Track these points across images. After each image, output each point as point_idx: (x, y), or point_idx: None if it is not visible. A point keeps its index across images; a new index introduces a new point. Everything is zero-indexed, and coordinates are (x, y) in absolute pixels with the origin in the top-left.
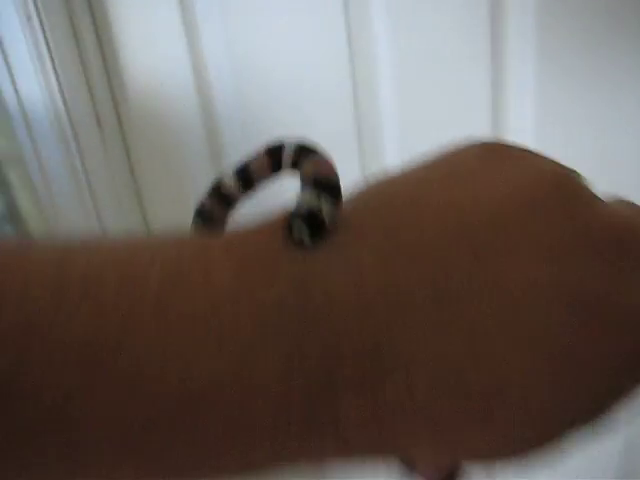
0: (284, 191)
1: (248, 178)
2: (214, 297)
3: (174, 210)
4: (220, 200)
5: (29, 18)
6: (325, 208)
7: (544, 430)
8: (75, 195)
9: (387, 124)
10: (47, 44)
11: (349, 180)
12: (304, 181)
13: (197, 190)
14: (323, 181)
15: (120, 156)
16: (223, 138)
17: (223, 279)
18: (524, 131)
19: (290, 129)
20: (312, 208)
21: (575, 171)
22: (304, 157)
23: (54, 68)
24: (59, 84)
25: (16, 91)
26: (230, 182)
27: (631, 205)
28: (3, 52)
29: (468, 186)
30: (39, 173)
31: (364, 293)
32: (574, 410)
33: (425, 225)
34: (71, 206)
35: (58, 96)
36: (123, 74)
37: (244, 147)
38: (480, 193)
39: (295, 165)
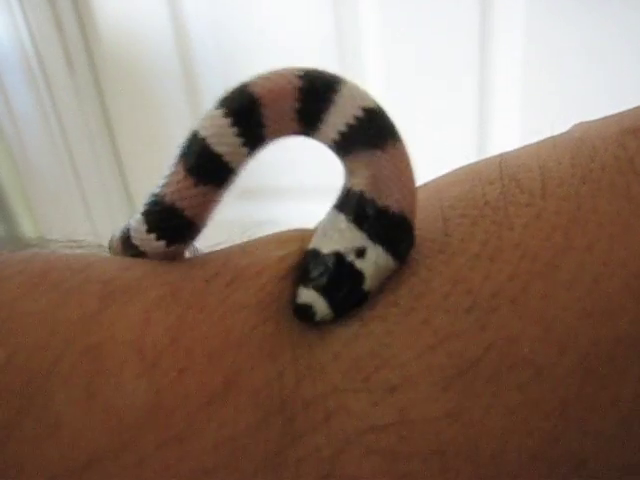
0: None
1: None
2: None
3: (148, 152)
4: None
5: None
6: (371, 268)
7: None
8: (46, 140)
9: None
10: None
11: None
12: (343, 204)
13: (172, 132)
14: (384, 215)
15: (93, 98)
16: (199, 79)
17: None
18: (512, 70)
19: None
20: (342, 271)
21: None
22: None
23: (21, 4)
24: (27, 23)
25: None
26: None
27: None
28: None
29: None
30: (8, 118)
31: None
32: None
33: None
34: (42, 151)
35: (26, 36)
36: (95, 12)
37: (220, 85)
38: None
39: None
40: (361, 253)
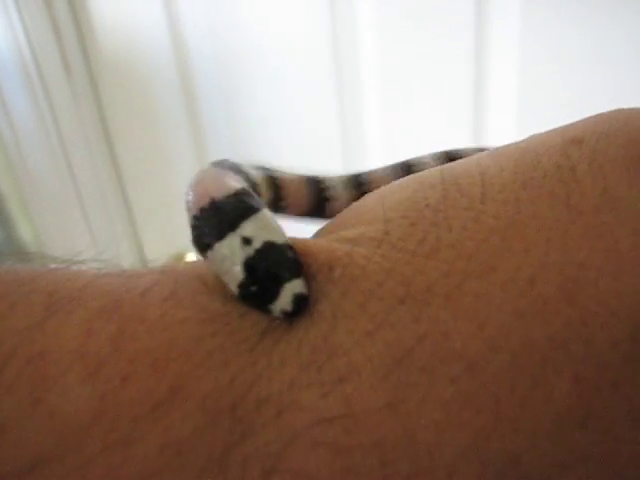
0: None
1: None
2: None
3: (145, 158)
4: None
5: None
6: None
7: None
8: (44, 145)
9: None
10: None
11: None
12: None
13: (168, 138)
14: None
15: (90, 104)
16: (196, 85)
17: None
18: (508, 70)
19: (267, 73)
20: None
21: None
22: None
23: (18, 8)
24: (24, 29)
25: None
26: None
27: None
28: None
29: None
30: (5, 123)
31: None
32: None
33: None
34: (40, 157)
35: (24, 42)
36: (93, 19)
37: (217, 90)
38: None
39: None
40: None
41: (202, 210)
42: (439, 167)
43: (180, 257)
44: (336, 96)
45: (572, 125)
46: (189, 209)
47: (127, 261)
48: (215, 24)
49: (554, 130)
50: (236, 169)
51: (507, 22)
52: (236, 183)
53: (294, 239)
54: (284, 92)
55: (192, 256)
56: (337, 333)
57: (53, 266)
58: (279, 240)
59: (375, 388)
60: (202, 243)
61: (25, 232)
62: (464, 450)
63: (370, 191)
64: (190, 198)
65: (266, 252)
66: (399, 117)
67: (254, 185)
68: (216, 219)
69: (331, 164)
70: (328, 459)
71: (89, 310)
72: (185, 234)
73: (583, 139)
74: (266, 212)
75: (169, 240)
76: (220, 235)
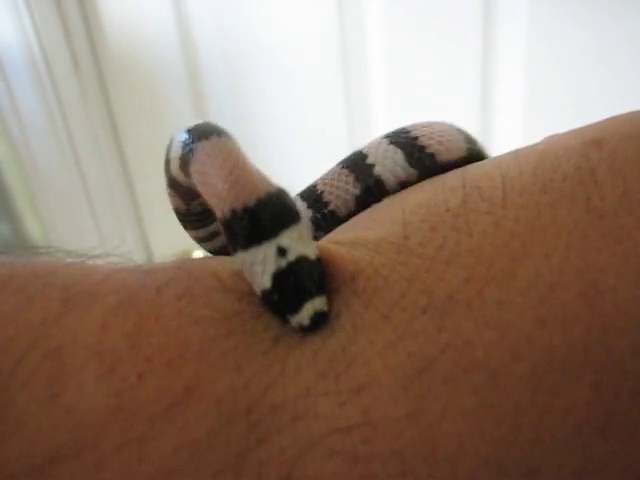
0: None
1: None
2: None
3: (153, 153)
4: None
5: None
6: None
7: None
8: (52, 141)
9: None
10: None
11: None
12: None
13: (177, 130)
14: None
15: (98, 100)
16: (204, 80)
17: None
18: (515, 67)
19: (275, 66)
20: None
21: None
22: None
23: (28, 6)
24: (34, 25)
25: None
26: None
27: None
28: None
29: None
30: (14, 119)
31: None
32: None
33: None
34: (48, 153)
35: (33, 38)
36: (101, 14)
37: (224, 88)
38: None
39: None
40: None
41: (246, 208)
42: (461, 169)
43: (187, 254)
44: (343, 95)
45: (591, 126)
46: (225, 199)
47: (134, 257)
48: (223, 22)
49: (573, 131)
50: None
51: (514, 24)
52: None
53: (322, 247)
54: (291, 91)
55: (199, 253)
56: (357, 344)
57: (69, 260)
58: (312, 255)
59: (396, 398)
60: (237, 240)
61: (33, 228)
62: (484, 460)
63: (324, 197)
64: (226, 184)
65: (298, 267)
66: (406, 117)
67: None
68: (257, 221)
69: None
70: (345, 468)
71: (105, 305)
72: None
73: (603, 140)
74: (305, 221)
75: (176, 237)
76: (258, 240)
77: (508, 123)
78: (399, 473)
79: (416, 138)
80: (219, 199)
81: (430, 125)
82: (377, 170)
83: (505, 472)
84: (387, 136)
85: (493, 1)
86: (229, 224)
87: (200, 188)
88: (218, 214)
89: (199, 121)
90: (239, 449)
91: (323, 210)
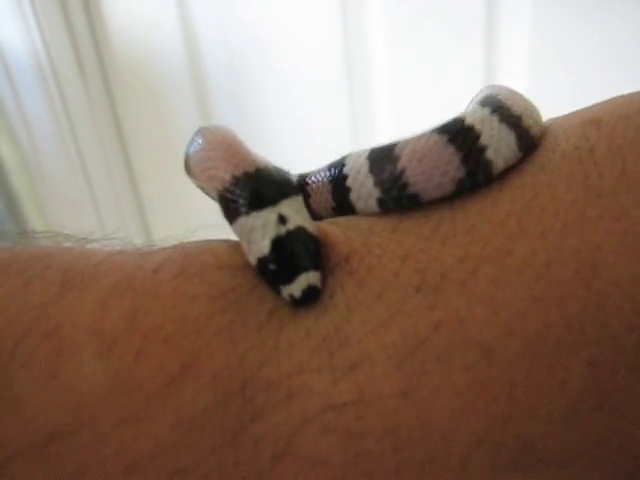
0: None
1: None
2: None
3: (158, 157)
4: None
5: None
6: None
7: None
8: (58, 144)
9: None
10: None
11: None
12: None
13: (181, 137)
14: None
15: (104, 104)
16: (208, 85)
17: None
18: (518, 62)
19: (279, 73)
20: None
21: None
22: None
23: (34, 12)
24: (40, 31)
25: None
26: None
27: None
28: None
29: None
30: (21, 123)
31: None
32: None
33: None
34: (54, 156)
35: (39, 43)
36: (106, 19)
37: (230, 94)
38: None
39: None
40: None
41: (246, 174)
42: None
43: None
44: (347, 100)
45: (591, 107)
46: (225, 168)
47: (132, 240)
48: (228, 28)
49: (573, 113)
50: None
51: (517, 23)
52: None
53: (318, 226)
54: (295, 95)
55: None
56: (351, 323)
57: (68, 244)
58: (310, 228)
59: (389, 376)
60: (235, 207)
61: (38, 229)
62: (479, 437)
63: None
64: (226, 156)
65: (297, 236)
66: (410, 119)
67: None
68: (260, 186)
69: None
70: (339, 445)
71: (103, 286)
72: (195, 237)
73: (602, 120)
74: (301, 197)
75: (180, 239)
76: (260, 205)
77: None
78: (393, 450)
79: (520, 117)
80: (220, 169)
81: (516, 97)
82: (489, 153)
83: (500, 448)
84: (489, 108)
85: (496, 1)
86: (230, 190)
87: (201, 174)
88: (218, 184)
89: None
90: (235, 425)
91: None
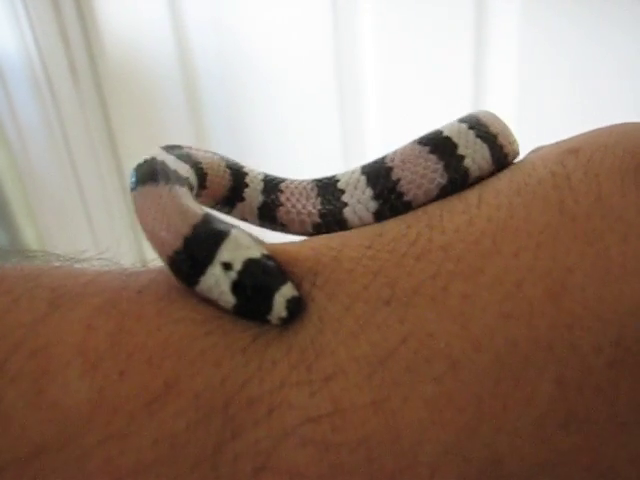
0: None
1: None
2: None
3: None
4: None
5: None
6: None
7: None
8: (50, 149)
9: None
10: None
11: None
12: None
13: (173, 142)
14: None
15: (96, 109)
16: (201, 90)
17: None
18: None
19: (270, 79)
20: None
21: None
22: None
23: (28, 17)
24: (33, 35)
25: None
26: None
27: None
28: None
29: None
30: (13, 127)
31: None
32: None
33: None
34: (46, 161)
35: (32, 48)
36: (99, 25)
37: (222, 98)
38: None
39: None
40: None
41: (177, 252)
42: None
43: None
44: (337, 107)
45: (570, 138)
46: (161, 248)
47: (128, 262)
48: (220, 32)
49: (554, 143)
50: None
51: (506, 24)
52: (195, 204)
53: (275, 247)
54: (287, 104)
55: None
56: (324, 335)
57: (58, 264)
58: (257, 255)
59: (361, 387)
60: (186, 280)
61: (29, 236)
62: (447, 448)
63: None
64: (158, 234)
65: (248, 271)
66: (399, 127)
67: (197, 168)
68: (193, 256)
69: (332, 173)
70: (317, 457)
71: (90, 306)
72: None
73: (580, 149)
74: (235, 231)
75: None
76: (201, 270)
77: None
78: (366, 461)
79: (495, 136)
80: (162, 243)
81: (495, 120)
82: (467, 162)
83: (468, 461)
84: (467, 124)
85: (485, 6)
86: (175, 265)
87: (150, 237)
88: (163, 257)
89: (155, 152)
90: (216, 442)
91: (395, 200)
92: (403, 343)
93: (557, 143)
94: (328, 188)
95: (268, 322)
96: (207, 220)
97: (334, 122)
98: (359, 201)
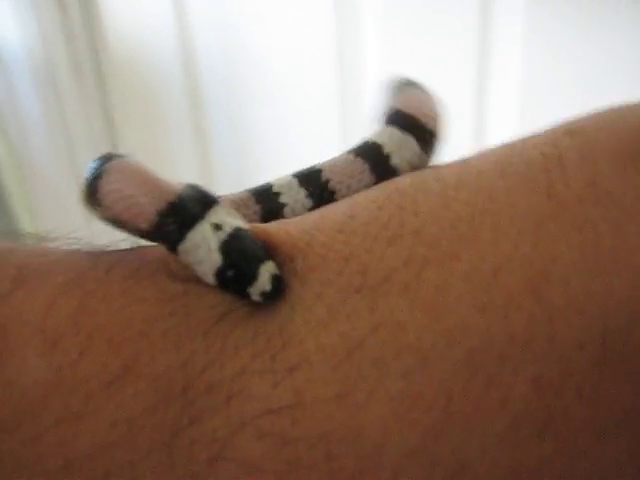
0: None
1: None
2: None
3: (150, 160)
4: None
5: None
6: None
7: None
8: (51, 145)
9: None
10: None
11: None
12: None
13: (174, 140)
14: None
15: (98, 105)
16: (203, 87)
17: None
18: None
19: (273, 77)
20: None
21: None
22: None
23: (32, 10)
24: (38, 30)
25: None
26: None
27: None
28: None
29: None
30: (15, 123)
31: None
32: None
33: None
34: (47, 156)
35: (35, 39)
36: (104, 22)
37: (224, 95)
38: None
39: None
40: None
41: (161, 214)
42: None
43: None
44: (339, 106)
45: (568, 120)
46: (139, 216)
47: (93, 241)
48: (223, 30)
49: (550, 127)
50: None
51: (511, 23)
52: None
53: (255, 227)
54: (288, 101)
55: None
56: (294, 323)
57: (27, 242)
58: (246, 226)
59: (326, 379)
60: (171, 236)
61: (27, 226)
62: (412, 450)
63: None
64: (145, 191)
65: (239, 234)
66: None
67: None
68: (184, 209)
69: None
70: (273, 450)
71: (54, 285)
72: None
73: (576, 130)
74: (225, 204)
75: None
76: (190, 224)
77: (503, 123)
78: (325, 458)
79: (414, 117)
80: (142, 207)
81: (420, 100)
82: (394, 162)
83: (434, 464)
84: (386, 120)
85: (489, 9)
86: (159, 225)
87: (116, 208)
88: (142, 223)
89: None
90: (172, 427)
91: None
92: (372, 334)
93: (553, 126)
94: (267, 194)
95: (247, 296)
96: (193, 187)
97: (336, 121)
98: (296, 202)
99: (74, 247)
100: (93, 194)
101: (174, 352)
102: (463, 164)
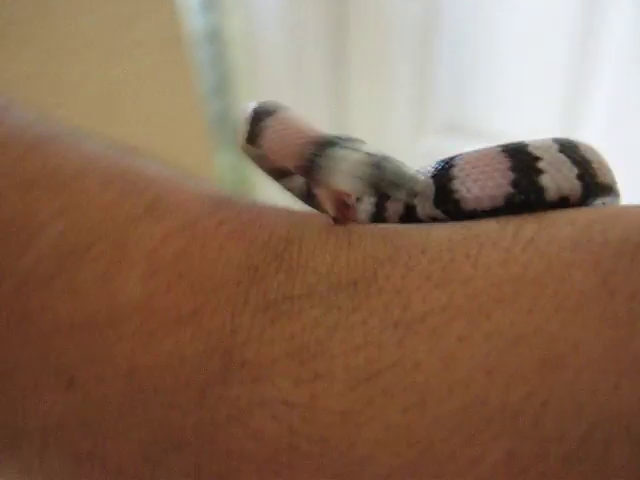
0: None
1: None
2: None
3: (374, 89)
4: None
5: None
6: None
7: None
8: (283, 28)
9: None
10: None
11: None
12: None
13: (400, 73)
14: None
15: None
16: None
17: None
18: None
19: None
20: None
21: None
22: None
23: None
24: None
25: None
26: None
27: None
28: None
29: None
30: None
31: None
32: None
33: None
34: (277, 34)
35: None
36: None
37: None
38: None
39: None
40: None
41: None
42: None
43: None
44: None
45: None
46: (307, 144)
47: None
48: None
49: None
50: None
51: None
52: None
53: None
54: (511, 75)
55: None
56: (332, 341)
57: (173, 172)
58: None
59: (341, 395)
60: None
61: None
62: (388, 475)
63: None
64: (302, 134)
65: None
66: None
67: None
68: (331, 143)
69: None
70: (280, 432)
71: (173, 222)
72: None
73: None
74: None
75: None
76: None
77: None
78: (319, 456)
79: (589, 162)
80: (299, 150)
81: (594, 150)
82: (544, 179)
83: None
84: (559, 145)
85: None
86: (315, 153)
87: (274, 153)
88: (297, 161)
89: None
90: (209, 380)
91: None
92: (391, 367)
93: None
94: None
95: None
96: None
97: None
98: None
99: (203, 188)
100: (256, 136)
101: (228, 318)
102: (542, 218)
